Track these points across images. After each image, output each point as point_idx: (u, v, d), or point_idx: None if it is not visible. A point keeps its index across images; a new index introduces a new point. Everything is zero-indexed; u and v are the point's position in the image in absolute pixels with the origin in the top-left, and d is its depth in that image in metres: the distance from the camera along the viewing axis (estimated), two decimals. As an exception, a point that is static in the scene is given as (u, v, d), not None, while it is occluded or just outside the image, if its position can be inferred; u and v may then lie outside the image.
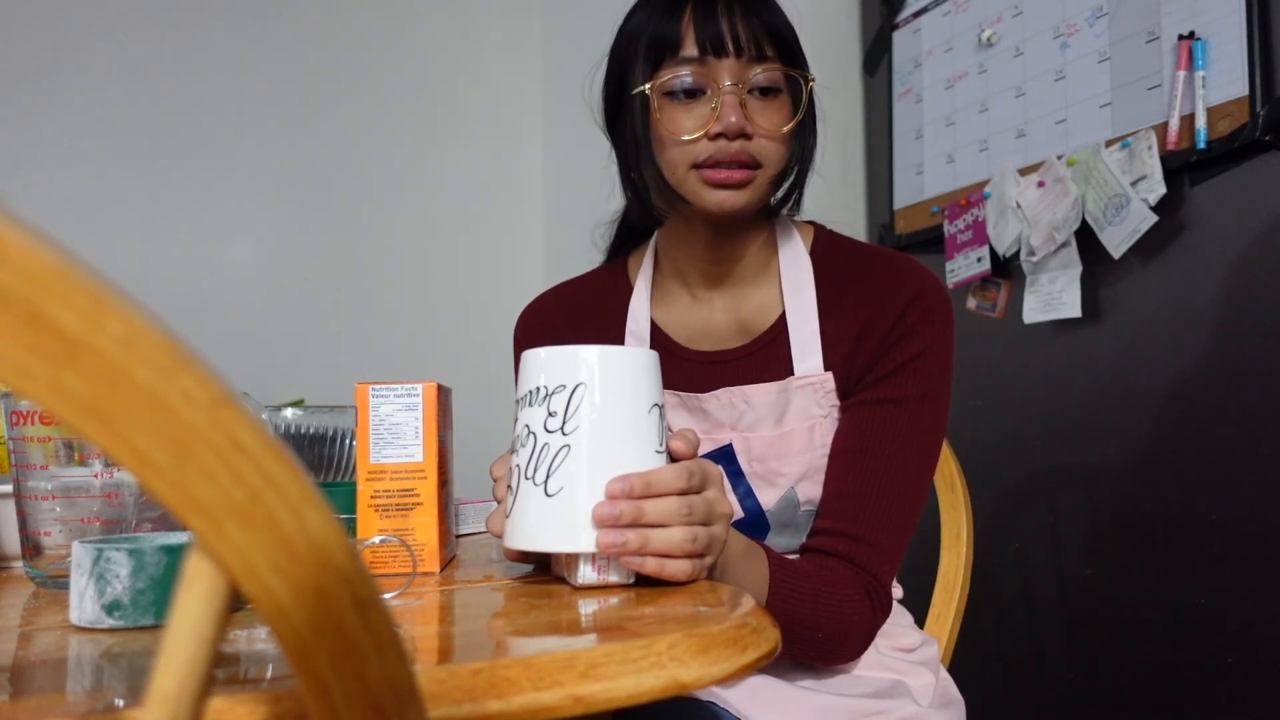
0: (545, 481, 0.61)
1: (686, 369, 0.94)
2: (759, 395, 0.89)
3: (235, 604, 0.28)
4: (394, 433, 0.71)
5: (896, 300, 0.87)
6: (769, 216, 0.93)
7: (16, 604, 0.65)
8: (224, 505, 0.25)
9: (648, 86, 0.84)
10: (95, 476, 0.68)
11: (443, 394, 0.73)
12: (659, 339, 0.96)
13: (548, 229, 2.49)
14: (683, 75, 0.83)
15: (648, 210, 0.92)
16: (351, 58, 2.31)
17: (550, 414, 0.62)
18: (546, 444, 0.62)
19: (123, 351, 0.23)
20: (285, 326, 2.19)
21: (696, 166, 0.83)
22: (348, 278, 2.27)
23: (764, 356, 0.91)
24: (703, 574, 0.62)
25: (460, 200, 2.41)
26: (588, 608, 0.56)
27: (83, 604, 0.52)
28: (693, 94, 0.83)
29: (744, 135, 0.82)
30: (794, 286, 0.91)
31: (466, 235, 2.41)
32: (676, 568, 0.60)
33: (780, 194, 0.90)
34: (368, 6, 2.33)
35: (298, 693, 0.37)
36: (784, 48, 0.84)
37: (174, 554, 0.53)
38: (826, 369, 0.88)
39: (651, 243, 1.00)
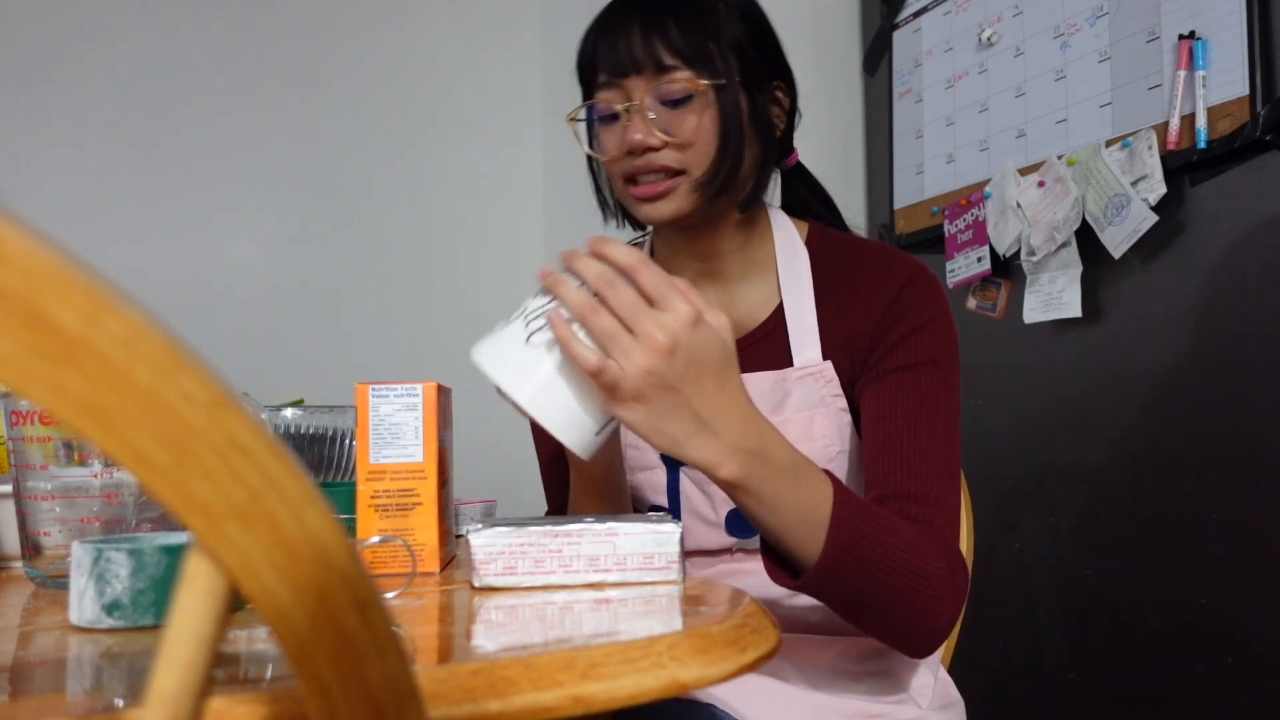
0: (528, 323, 0.64)
1: None
2: (754, 385, 0.89)
3: (235, 604, 0.28)
4: (394, 433, 0.71)
5: (888, 286, 0.88)
6: (740, 210, 0.91)
7: (16, 604, 0.65)
8: (224, 505, 0.25)
9: (581, 112, 0.89)
10: (95, 476, 0.68)
11: (443, 394, 0.73)
12: None
13: (548, 229, 2.49)
14: (600, 100, 0.87)
15: (625, 219, 0.97)
16: (352, 58, 2.31)
17: (541, 292, 0.66)
18: (540, 304, 0.65)
19: (122, 351, 0.23)
20: (285, 326, 2.19)
21: (627, 182, 0.87)
22: (348, 278, 2.27)
23: (761, 349, 0.92)
24: (602, 376, 0.62)
25: (460, 200, 2.40)
26: (588, 608, 0.56)
27: (82, 604, 0.52)
28: (613, 116, 0.86)
29: (651, 149, 0.84)
30: (792, 280, 0.92)
31: (466, 235, 2.41)
32: (576, 349, 0.62)
33: (748, 192, 0.89)
34: (368, 7, 2.33)
35: (298, 693, 0.37)
36: (692, 54, 0.83)
37: (174, 554, 0.53)
38: (825, 359, 0.89)
39: (649, 241, 1.01)
